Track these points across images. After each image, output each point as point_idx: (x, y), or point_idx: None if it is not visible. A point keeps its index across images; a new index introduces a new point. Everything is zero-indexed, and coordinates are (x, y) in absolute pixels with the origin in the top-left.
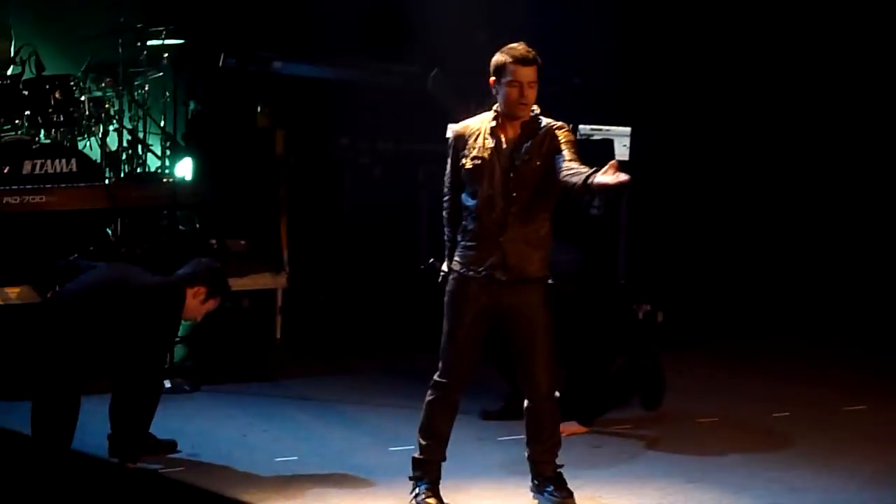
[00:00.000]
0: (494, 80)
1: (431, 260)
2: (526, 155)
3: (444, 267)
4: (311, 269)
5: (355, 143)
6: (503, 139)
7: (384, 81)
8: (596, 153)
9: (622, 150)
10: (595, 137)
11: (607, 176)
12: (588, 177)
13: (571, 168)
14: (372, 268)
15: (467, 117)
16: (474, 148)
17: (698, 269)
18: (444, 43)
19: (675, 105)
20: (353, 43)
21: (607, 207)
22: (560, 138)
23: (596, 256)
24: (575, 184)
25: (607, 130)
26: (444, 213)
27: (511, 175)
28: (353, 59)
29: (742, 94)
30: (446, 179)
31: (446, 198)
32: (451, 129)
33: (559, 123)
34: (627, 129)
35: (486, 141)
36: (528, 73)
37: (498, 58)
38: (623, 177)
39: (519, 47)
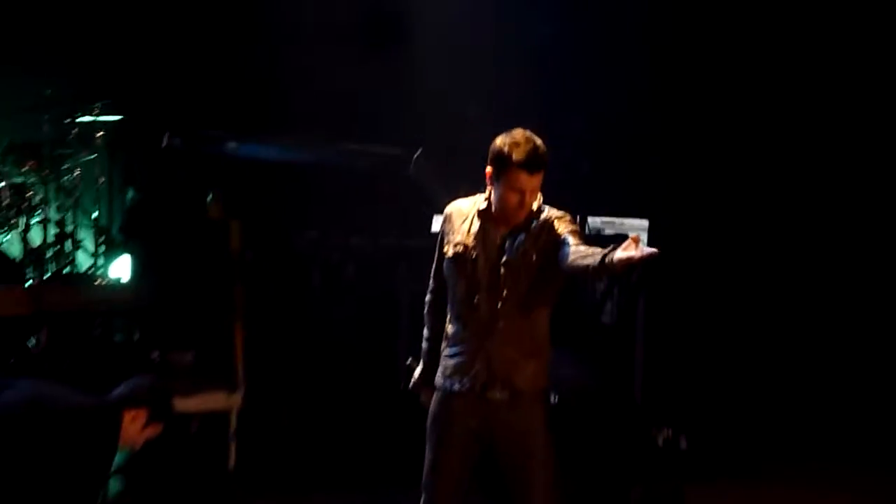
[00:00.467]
0: (491, 173)
1: (409, 360)
2: (520, 247)
3: (417, 372)
4: (271, 386)
5: (325, 238)
6: (494, 226)
7: (359, 165)
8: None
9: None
10: (607, 232)
11: (629, 251)
12: (605, 256)
13: (580, 251)
14: (344, 384)
15: None
16: (459, 233)
17: (728, 385)
18: (431, 120)
19: (702, 193)
20: (323, 120)
21: (621, 313)
22: (562, 227)
23: (607, 371)
24: (588, 266)
25: (621, 223)
26: (425, 312)
27: (501, 269)
28: (323, 139)
29: (776, 180)
30: (432, 271)
31: (429, 293)
32: (444, 213)
33: (560, 213)
34: (645, 223)
35: (474, 226)
36: (533, 181)
37: (499, 150)
38: (649, 250)
39: (524, 143)
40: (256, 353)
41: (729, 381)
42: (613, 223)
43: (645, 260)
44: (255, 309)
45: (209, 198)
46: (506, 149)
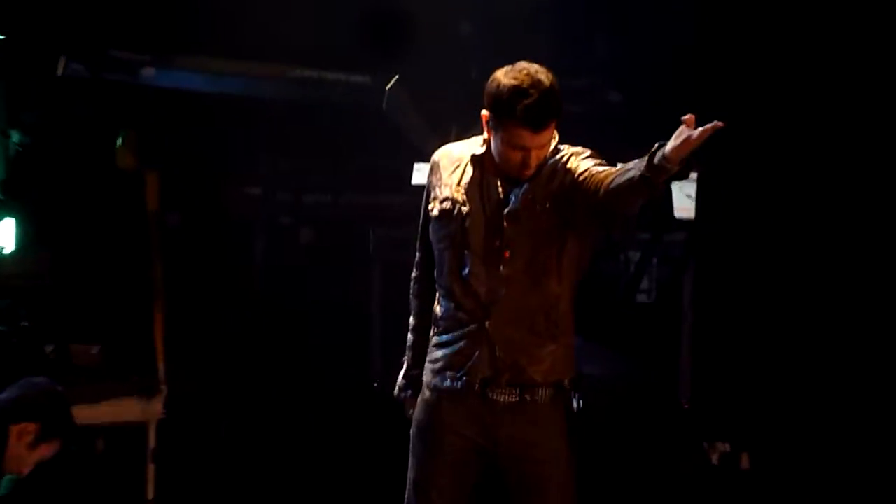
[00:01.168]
0: (488, 118)
1: (376, 384)
2: (527, 195)
3: (402, 375)
4: (202, 390)
5: (272, 194)
6: (493, 176)
7: (316, 98)
8: (646, 204)
9: (684, 204)
10: None
11: (683, 135)
12: (652, 155)
13: (613, 170)
14: (300, 386)
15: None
16: (447, 185)
17: (802, 386)
18: (410, 37)
19: (766, 137)
20: (268, 38)
21: (663, 291)
22: (579, 159)
23: (645, 367)
24: (633, 180)
25: None
26: (411, 294)
27: (504, 225)
28: (268, 64)
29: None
30: (417, 238)
31: (414, 267)
32: (430, 161)
33: (579, 148)
34: (693, 174)
35: (466, 176)
36: (541, 138)
37: (497, 95)
38: (710, 126)
39: (531, 89)
40: (182, 346)
41: (804, 381)
42: None
43: (707, 137)
44: (180, 289)
45: (119, 141)
46: (506, 95)
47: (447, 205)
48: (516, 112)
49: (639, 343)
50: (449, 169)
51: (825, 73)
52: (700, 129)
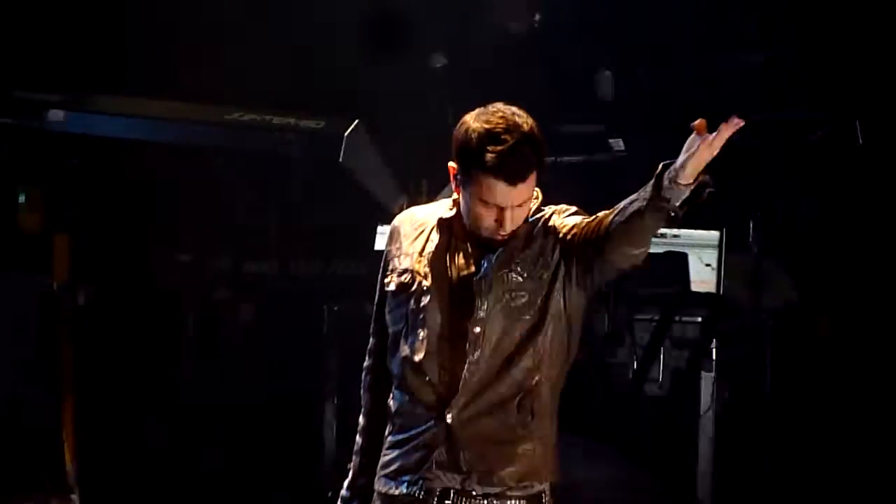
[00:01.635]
0: (456, 172)
1: (330, 494)
2: (502, 261)
3: (346, 486)
4: (120, 495)
5: (206, 262)
6: (463, 243)
7: (258, 148)
8: (657, 277)
9: (703, 274)
10: (652, 250)
11: (695, 144)
12: (659, 178)
13: (612, 210)
14: (239, 491)
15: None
16: (407, 255)
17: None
18: (372, 74)
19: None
20: (203, 77)
21: (678, 382)
22: (563, 216)
23: (657, 472)
24: (639, 210)
25: (674, 237)
26: (362, 388)
27: (473, 298)
28: (203, 107)
29: None
30: (372, 318)
31: (368, 354)
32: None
33: (561, 206)
34: (714, 235)
35: (430, 244)
36: (518, 194)
37: (465, 142)
38: (734, 122)
39: (505, 135)
40: (97, 444)
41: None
42: (665, 236)
43: (724, 141)
44: (94, 377)
45: (21, 199)
46: (475, 141)
47: (406, 278)
48: (486, 161)
49: (648, 443)
50: (411, 236)
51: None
52: (714, 137)
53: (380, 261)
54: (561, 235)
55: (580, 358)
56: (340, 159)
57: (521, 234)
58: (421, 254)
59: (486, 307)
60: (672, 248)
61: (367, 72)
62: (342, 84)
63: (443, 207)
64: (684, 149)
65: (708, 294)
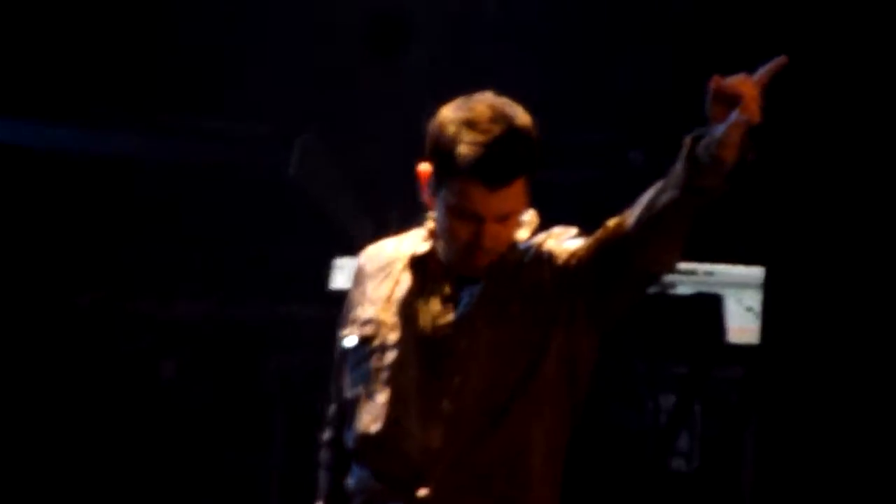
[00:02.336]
0: (428, 178)
1: None
2: (485, 295)
3: None
4: None
5: (119, 303)
6: (437, 280)
7: (189, 158)
8: (686, 324)
9: (744, 321)
10: (679, 291)
11: (732, 114)
12: (693, 152)
13: (626, 212)
14: None
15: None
16: (372, 303)
17: None
18: (330, 71)
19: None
20: (122, 77)
21: (710, 454)
22: (562, 239)
23: None
24: (673, 197)
25: (708, 273)
26: (320, 466)
27: (447, 351)
28: (123, 110)
29: None
30: (332, 378)
31: (326, 424)
32: (354, 258)
33: (558, 229)
34: (758, 272)
35: (400, 288)
36: (498, 204)
37: (439, 134)
38: (775, 63)
39: (486, 124)
40: None
41: None
42: (694, 273)
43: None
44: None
45: None
46: (448, 133)
47: (368, 330)
48: (460, 155)
49: None
50: (377, 278)
51: None
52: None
53: (337, 301)
54: (561, 262)
55: (585, 421)
56: (290, 173)
57: (510, 262)
58: (388, 300)
59: (465, 350)
60: (704, 289)
61: (327, 66)
62: (293, 80)
63: (416, 239)
64: (712, 116)
65: (749, 346)
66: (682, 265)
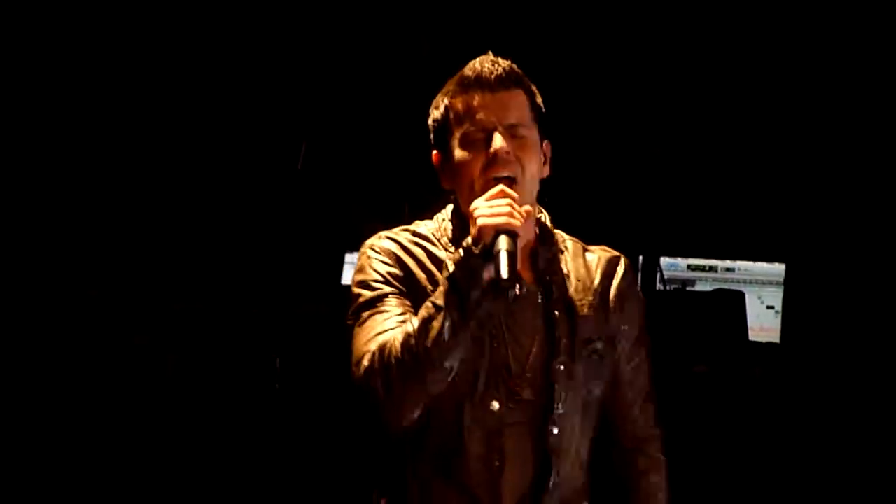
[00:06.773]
0: (438, 155)
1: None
2: (585, 286)
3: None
4: None
5: (119, 299)
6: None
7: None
8: (706, 322)
9: (765, 320)
10: (699, 287)
11: None
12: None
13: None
14: None
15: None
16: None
17: None
18: (340, 58)
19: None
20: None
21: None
22: (628, 282)
23: None
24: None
25: (727, 270)
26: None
27: (553, 325)
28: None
29: None
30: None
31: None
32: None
33: (615, 253)
34: (780, 268)
35: (437, 271)
36: (502, 106)
37: (439, 95)
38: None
39: (479, 62)
40: None
41: None
42: (715, 268)
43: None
44: None
45: None
46: (445, 88)
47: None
48: (459, 81)
49: None
50: (420, 260)
51: None
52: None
53: (345, 299)
54: (625, 328)
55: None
56: (297, 167)
57: (570, 250)
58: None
59: (571, 329)
60: (725, 286)
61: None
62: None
63: (445, 218)
64: None
65: (769, 344)
66: (700, 261)
